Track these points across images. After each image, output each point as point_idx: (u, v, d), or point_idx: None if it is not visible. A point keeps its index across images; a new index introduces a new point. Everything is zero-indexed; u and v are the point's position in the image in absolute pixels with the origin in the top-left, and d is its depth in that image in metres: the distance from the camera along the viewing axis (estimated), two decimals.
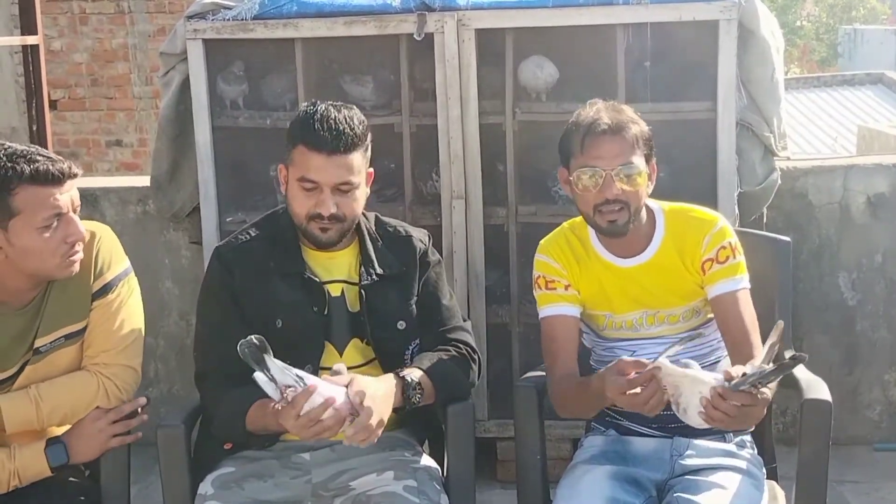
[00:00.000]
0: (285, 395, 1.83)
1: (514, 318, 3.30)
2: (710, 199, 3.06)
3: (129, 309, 2.17)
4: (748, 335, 2.08)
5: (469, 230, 3.19)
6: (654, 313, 2.18)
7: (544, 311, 2.21)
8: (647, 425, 2.19)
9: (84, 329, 2.14)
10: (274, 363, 1.82)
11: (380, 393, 1.94)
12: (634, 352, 2.15)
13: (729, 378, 1.83)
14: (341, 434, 1.90)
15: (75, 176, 2.02)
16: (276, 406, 1.86)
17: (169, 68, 3.33)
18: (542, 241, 2.27)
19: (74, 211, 2.03)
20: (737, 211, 3.14)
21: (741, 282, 2.13)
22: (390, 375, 2.03)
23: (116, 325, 2.14)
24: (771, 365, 1.84)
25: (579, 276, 2.21)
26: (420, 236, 2.26)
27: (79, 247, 2.06)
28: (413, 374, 2.05)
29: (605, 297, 2.20)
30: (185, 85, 3.28)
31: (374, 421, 1.90)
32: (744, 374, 1.83)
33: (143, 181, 3.65)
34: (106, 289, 2.14)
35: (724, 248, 2.12)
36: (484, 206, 3.20)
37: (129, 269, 2.21)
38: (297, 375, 1.84)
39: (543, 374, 2.25)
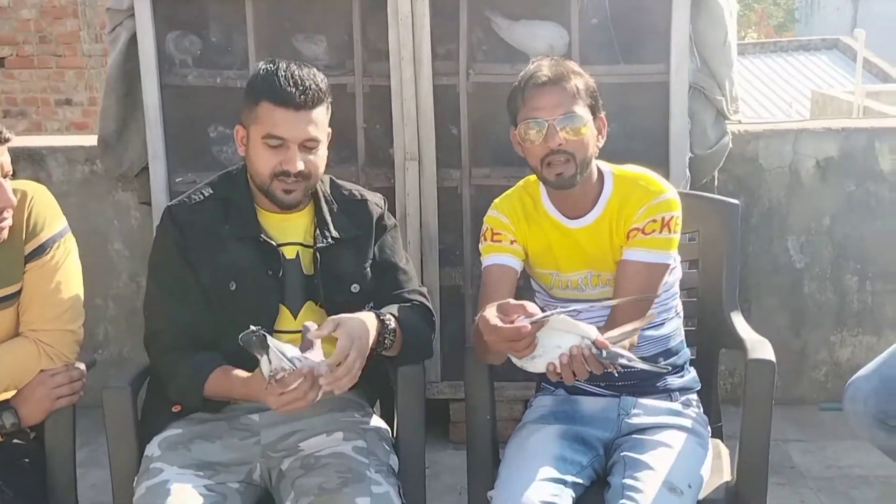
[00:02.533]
0: (276, 376, 1.84)
1: (467, 281, 3.31)
2: (662, 163, 3.09)
3: (65, 270, 2.13)
4: (626, 305, 2.03)
5: (422, 192, 3.19)
6: (598, 275, 2.20)
7: (486, 260, 2.22)
8: (595, 384, 2.21)
9: (18, 292, 2.10)
10: (274, 352, 1.83)
11: (364, 337, 1.93)
12: (579, 312, 2.17)
13: (602, 346, 1.83)
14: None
15: (7, 141, 1.97)
16: (266, 386, 1.86)
17: (116, 24, 3.26)
18: (496, 200, 2.28)
19: (5, 177, 1.99)
20: (688, 174, 3.17)
21: (657, 256, 2.11)
22: (371, 315, 2.02)
23: (53, 288, 2.10)
24: (643, 362, 1.86)
25: (527, 234, 2.22)
26: (376, 200, 2.26)
27: (7, 214, 2.01)
28: (389, 318, 2.04)
29: (552, 256, 2.21)
30: (133, 42, 3.22)
31: (354, 369, 1.88)
32: (605, 350, 1.83)
33: (91, 140, 3.59)
34: (40, 250, 2.10)
35: (654, 220, 2.11)
36: (437, 168, 3.19)
37: (66, 229, 2.16)
38: (291, 359, 1.85)
39: None
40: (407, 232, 3.17)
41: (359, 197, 2.24)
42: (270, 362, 1.85)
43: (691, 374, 2.30)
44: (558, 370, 1.84)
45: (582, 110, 2.08)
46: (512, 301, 1.89)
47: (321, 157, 2.10)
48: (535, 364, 1.87)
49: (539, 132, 2.07)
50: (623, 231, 2.14)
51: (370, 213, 2.22)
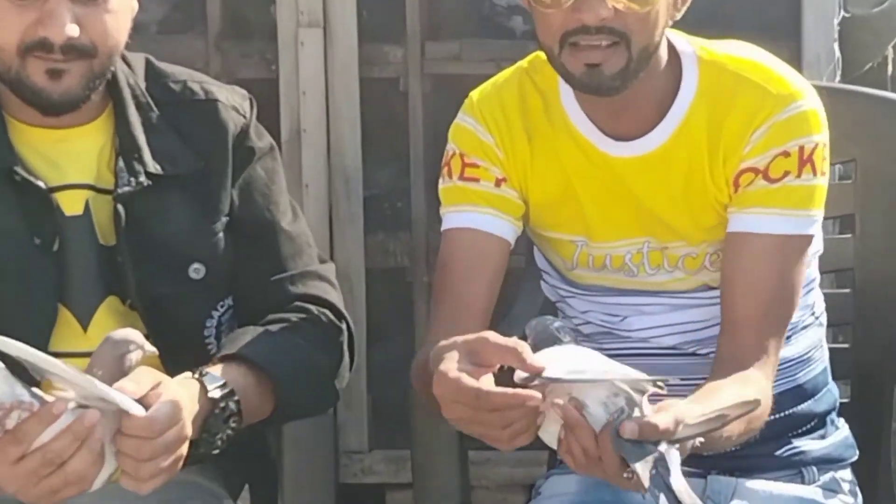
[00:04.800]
0: (6, 419, 1.81)
1: (417, 257, 3.35)
2: (788, 32, 3.15)
3: None
4: (751, 318, 2.06)
5: (331, 88, 3.23)
6: (664, 247, 2.20)
7: (449, 218, 2.24)
8: None
9: None
10: None
11: (185, 411, 1.93)
12: (625, 317, 2.17)
13: (622, 431, 1.80)
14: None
15: None
16: None
17: None
18: (472, 93, 2.29)
19: None
20: (837, 53, 3.20)
21: (793, 224, 2.12)
22: (192, 382, 2.02)
23: None
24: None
25: (529, 165, 2.23)
26: (234, 101, 2.29)
27: None
28: (220, 391, 2.03)
29: (575, 207, 2.22)
30: None
31: (165, 461, 1.88)
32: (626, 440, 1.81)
33: None
34: None
35: (785, 154, 2.11)
36: (360, 44, 3.24)
37: None
38: (35, 392, 1.83)
39: None
40: (302, 163, 3.22)
41: (201, 95, 2.26)
42: None
43: (841, 434, 2.32)
44: None
45: None
46: (492, 338, 1.85)
47: (114, 13, 2.11)
48: (543, 433, 1.88)
49: None
50: (724, 171, 2.14)
51: (224, 126, 2.25)
